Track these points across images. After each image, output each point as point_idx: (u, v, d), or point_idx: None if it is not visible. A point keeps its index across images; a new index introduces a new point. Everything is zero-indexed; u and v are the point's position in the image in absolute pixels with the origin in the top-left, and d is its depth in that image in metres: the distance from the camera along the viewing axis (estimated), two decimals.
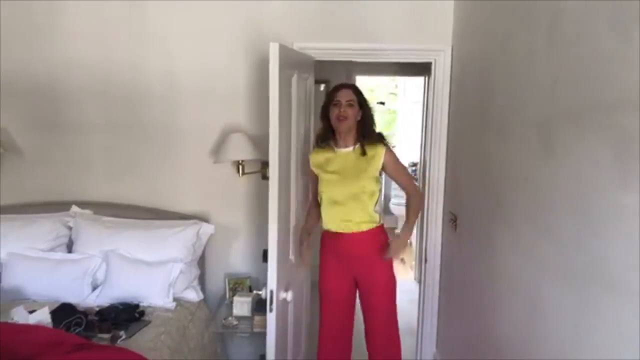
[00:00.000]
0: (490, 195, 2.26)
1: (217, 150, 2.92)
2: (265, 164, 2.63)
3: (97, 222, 2.87)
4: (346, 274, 2.51)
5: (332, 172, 2.43)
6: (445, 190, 3.03)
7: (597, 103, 1.39)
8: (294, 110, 2.52)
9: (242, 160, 2.91)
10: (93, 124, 3.02)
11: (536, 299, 1.74)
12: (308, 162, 2.54)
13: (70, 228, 2.86)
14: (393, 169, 2.46)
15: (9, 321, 2.18)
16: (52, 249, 2.77)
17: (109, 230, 2.82)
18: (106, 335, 2.22)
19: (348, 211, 2.41)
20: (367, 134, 2.43)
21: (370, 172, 2.40)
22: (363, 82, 5.69)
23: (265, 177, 2.80)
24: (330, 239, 2.51)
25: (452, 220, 2.84)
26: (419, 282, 3.19)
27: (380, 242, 2.46)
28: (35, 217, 2.83)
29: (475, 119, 2.51)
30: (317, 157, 2.50)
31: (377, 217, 2.45)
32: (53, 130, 3.02)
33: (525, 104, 1.87)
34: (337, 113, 2.38)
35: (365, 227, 2.41)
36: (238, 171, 2.94)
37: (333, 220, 2.45)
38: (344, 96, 2.39)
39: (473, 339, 2.45)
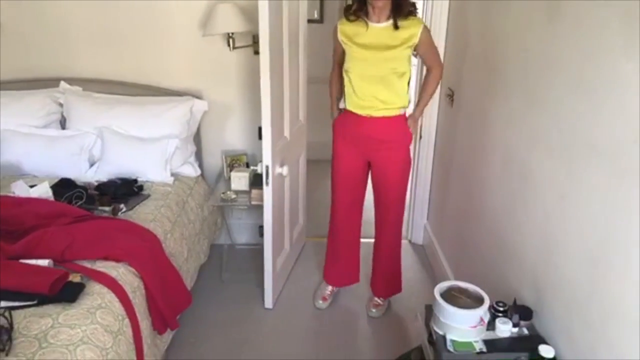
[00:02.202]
0: (490, 70, 2.19)
1: (206, 22, 2.77)
2: (257, 39, 2.50)
3: (88, 99, 2.81)
4: (360, 157, 2.44)
5: (362, 46, 2.26)
6: (444, 66, 2.92)
7: None
8: None
9: (232, 33, 2.77)
10: None
11: (527, 171, 1.77)
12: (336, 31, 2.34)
13: (60, 105, 2.81)
14: (427, 48, 2.32)
15: (10, 194, 2.23)
16: (45, 126, 2.75)
17: (101, 107, 2.77)
18: (107, 208, 2.29)
19: (376, 95, 2.28)
20: (401, 5, 2.21)
21: (403, 52, 2.24)
22: None
23: (257, 52, 2.68)
24: (348, 121, 2.39)
25: (449, 95, 2.79)
26: (413, 157, 3.23)
27: (401, 128, 2.37)
28: (23, 94, 2.76)
29: None
30: (346, 29, 2.30)
31: (406, 100, 2.34)
32: (31, 2, 2.82)
33: None
34: None
35: (391, 113, 2.32)
36: (229, 45, 2.81)
37: (358, 103, 2.32)
38: None
39: (462, 212, 2.55)
